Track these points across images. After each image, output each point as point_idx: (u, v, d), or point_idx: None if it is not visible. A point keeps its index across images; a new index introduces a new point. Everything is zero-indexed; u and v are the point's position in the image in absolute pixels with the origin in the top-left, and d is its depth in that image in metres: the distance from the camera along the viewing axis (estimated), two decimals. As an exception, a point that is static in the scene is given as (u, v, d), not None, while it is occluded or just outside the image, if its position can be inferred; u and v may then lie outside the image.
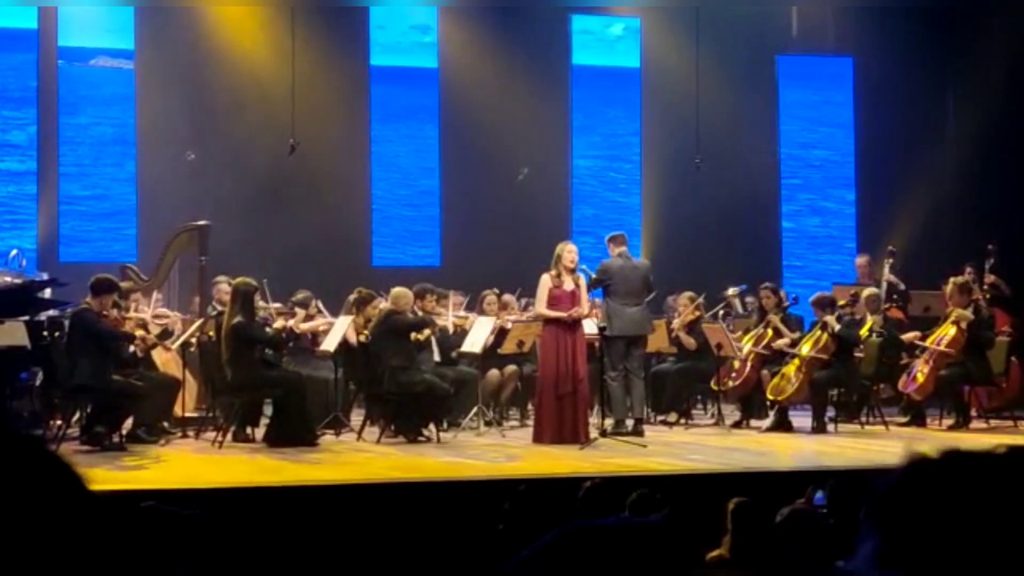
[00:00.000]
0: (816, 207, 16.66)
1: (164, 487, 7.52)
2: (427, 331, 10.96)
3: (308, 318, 11.55)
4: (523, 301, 12.61)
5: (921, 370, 11.68)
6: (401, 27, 15.87)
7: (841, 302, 11.82)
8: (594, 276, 10.98)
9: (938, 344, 11.65)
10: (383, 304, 10.96)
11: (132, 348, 10.46)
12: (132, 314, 10.74)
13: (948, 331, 11.66)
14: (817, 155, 16.75)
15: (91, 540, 1.30)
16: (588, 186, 16.27)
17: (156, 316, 11.06)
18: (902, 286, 13.30)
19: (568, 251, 10.60)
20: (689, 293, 12.54)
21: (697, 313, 12.36)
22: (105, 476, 8.18)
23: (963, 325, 11.54)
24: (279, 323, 10.61)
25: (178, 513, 4.28)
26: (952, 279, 11.94)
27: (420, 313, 11.52)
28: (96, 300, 9.85)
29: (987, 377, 11.80)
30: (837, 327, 11.35)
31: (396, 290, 10.90)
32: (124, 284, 11.40)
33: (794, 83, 16.64)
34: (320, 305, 11.78)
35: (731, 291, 13.69)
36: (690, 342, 12.20)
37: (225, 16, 15.04)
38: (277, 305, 11.37)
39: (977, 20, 15.68)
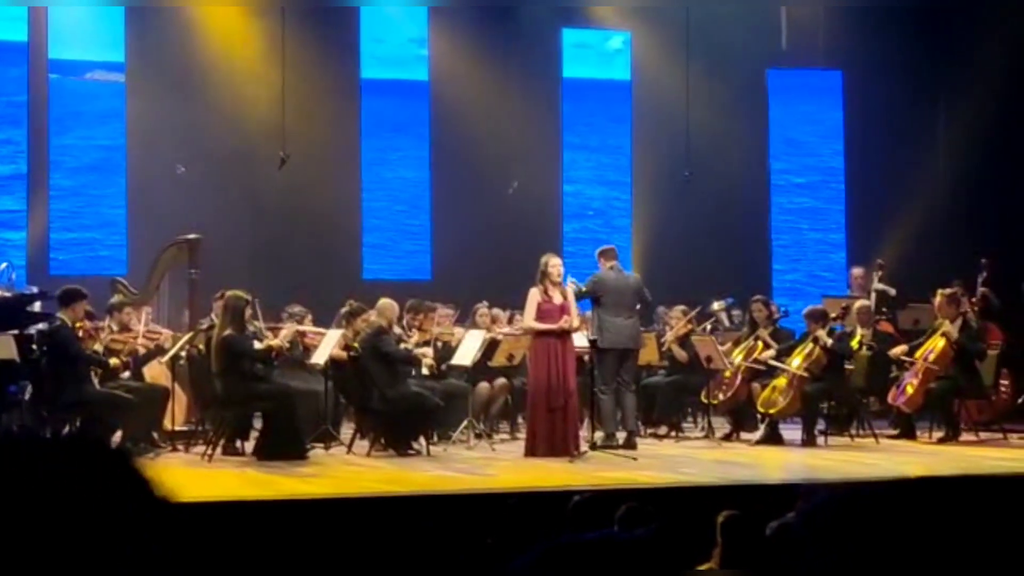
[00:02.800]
0: (806, 219, 16.68)
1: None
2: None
3: (300, 335, 11.54)
4: (508, 312, 12.58)
5: (911, 383, 11.68)
6: (392, 40, 15.88)
7: (832, 315, 11.81)
8: (585, 288, 10.99)
9: (926, 357, 11.65)
10: (372, 317, 10.94)
11: (120, 360, 10.45)
12: (122, 335, 10.67)
13: (936, 344, 11.66)
14: (807, 168, 16.78)
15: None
16: (579, 199, 16.28)
17: (148, 333, 11.03)
18: (892, 291, 13.27)
19: (553, 264, 10.59)
20: (682, 307, 12.54)
21: (689, 326, 12.37)
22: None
23: (951, 339, 11.55)
24: (268, 341, 10.54)
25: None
26: (940, 291, 11.96)
27: (408, 329, 11.54)
28: (68, 311, 9.82)
29: (978, 390, 11.80)
30: (829, 341, 11.36)
31: (382, 302, 10.88)
32: (115, 297, 11.38)
33: (784, 96, 16.69)
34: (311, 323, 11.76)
35: (716, 305, 13.67)
36: (682, 355, 12.21)
37: (215, 29, 15.05)
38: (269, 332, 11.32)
39: (967, 32, 15.72)
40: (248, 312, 10.38)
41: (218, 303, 11.06)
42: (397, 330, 11.01)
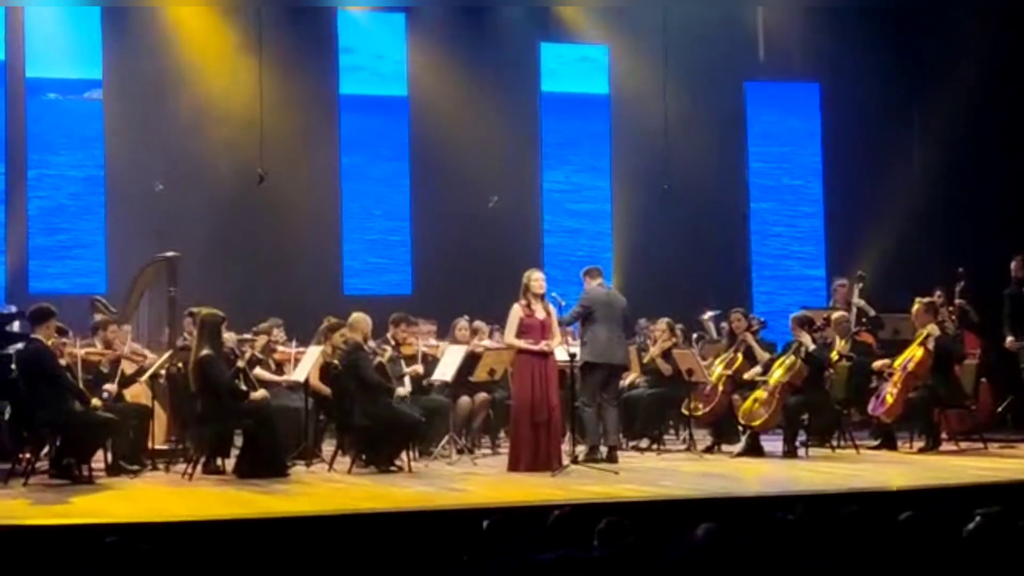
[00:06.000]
0: (785, 231, 16.74)
1: (132, 520, 7.46)
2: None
3: (269, 349, 11.54)
4: (490, 326, 12.57)
5: (890, 392, 11.72)
6: (370, 56, 15.90)
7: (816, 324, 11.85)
8: (577, 307, 11.01)
9: (905, 367, 11.69)
10: (347, 332, 10.91)
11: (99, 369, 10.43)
12: (99, 350, 10.62)
13: (915, 353, 11.70)
14: (785, 180, 16.84)
15: None
16: (558, 212, 16.30)
17: (133, 354, 10.98)
18: (872, 312, 13.34)
19: (535, 279, 10.60)
20: (666, 319, 12.54)
21: (674, 339, 12.38)
22: (72, 510, 8.13)
23: (930, 345, 11.59)
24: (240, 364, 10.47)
25: (142, 548, 4.26)
26: (917, 299, 12.01)
27: (393, 342, 11.53)
28: (43, 328, 9.78)
29: (956, 398, 11.84)
30: (812, 347, 11.39)
31: (355, 316, 10.82)
32: (97, 316, 11.34)
33: (761, 109, 16.75)
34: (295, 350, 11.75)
35: (707, 315, 13.75)
36: (667, 368, 12.21)
37: (193, 46, 15.05)
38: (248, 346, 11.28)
39: (942, 44, 15.81)
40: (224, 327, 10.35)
41: (188, 320, 11.02)
42: (371, 343, 10.96)
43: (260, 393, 10.35)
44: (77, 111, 14.79)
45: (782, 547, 4.56)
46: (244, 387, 10.24)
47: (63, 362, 9.98)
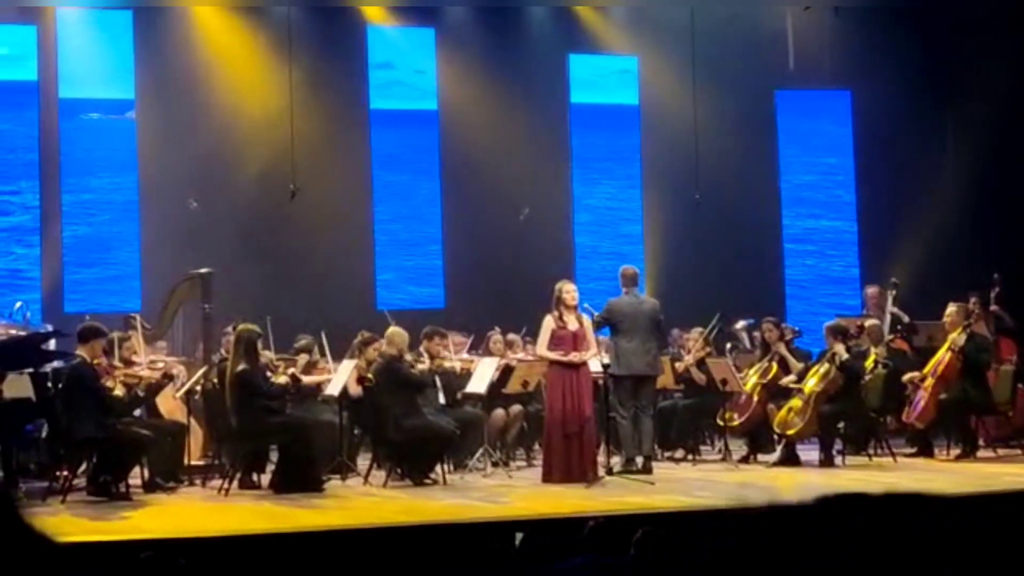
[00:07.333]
0: (818, 240, 16.67)
1: (169, 536, 7.50)
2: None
3: (311, 365, 11.54)
4: (525, 337, 12.57)
5: (923, 398, 11.68)
6: (400, 70, 15.94)
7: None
8: (599, 315, 10.99)
9: (935, 371, 11.65)
10: (382, 346, 10.93)
11: (135, 392, 10.46)
12: (126, 370, 10.64)
13: (944, 357, 11.68)
14: (818, 188, 16.76)
15: None
16: (589, 225, 16.28)
17: (151, 364, 11.03)
18: (906, 318, 13.29)
19: (567, 290, 10.62)
20: (699, 329, 12.52)
21: (708, 349, 12.35)
22: (110, 527, 8.18)
23: (957, 349, 11.55)
24: (282, 379, 10.47)
25: (178, 563, 4.28)
26: (952, 303, 11.95)
27: (425, 354, 11.53)
28: (87, 348, 9.85)
29: (987, 403, 11.78)
30: (845, 356, 11.34)
31: (391, 330, 10.87)
32: (115, 333, 11.37)
33: (793, 117, 16.69)
34: (327, 351, 11.76)
35: (740, 324, 13.68)
36: (701, 378, 12.18)
37: (224, 64, 15.14)
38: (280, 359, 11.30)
39: (974, 49, 15.73)
40: (260, 344, 10.38)
41: (228, 336, 11.05)
42: (409, 357, 11.00)
43: (282, 379, 10.36)
44: (115, 131, 14.88)
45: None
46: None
47: (111, 384, 10.03)
